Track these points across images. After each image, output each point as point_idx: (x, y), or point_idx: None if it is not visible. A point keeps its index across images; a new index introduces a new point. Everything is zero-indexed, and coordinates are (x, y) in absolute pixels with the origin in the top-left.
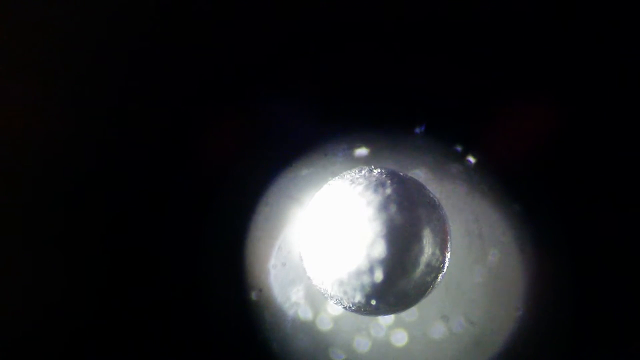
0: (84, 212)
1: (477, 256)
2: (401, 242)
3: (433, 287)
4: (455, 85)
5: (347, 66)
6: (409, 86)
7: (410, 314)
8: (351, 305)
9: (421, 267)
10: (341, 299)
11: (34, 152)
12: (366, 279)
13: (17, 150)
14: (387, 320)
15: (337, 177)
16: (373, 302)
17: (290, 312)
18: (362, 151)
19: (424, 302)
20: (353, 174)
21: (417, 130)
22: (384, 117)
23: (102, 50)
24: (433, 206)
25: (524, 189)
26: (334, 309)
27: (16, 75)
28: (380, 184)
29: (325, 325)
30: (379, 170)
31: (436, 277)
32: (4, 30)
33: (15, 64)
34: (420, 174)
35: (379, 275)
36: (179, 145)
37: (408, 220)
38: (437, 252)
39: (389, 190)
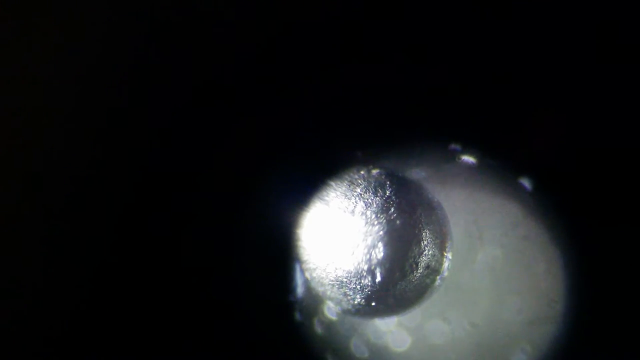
0: (98, 215)
1: (478, 257)
2: (400, 243)
3: (433, 289)
4: (457, 85)
5: (347, 67)
6: (410, 86)
7: (411, 317)
8: (351, 308)
9: (420, 269)
10: (340, 300)
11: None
12: (366, 281)
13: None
14: (386, 323)
15: (335, 178)
16: (373, 304)
17: (288, 315)
18: (362, 150)
19: (424, 304)
20: (351, 174)
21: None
22: (384, 117)
23: (120, 51)
24: (432, 207)
25: (525, 189)
26: (332, 312)
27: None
28: (379, 185)
29: (323, 328)
30: (378, 171)
31: (436, 279)
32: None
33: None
34: (420, 174)
35: (378, 277)
36: (182, 150)
37: (407, 222)
38: (437, 253)
39: (388, 192)
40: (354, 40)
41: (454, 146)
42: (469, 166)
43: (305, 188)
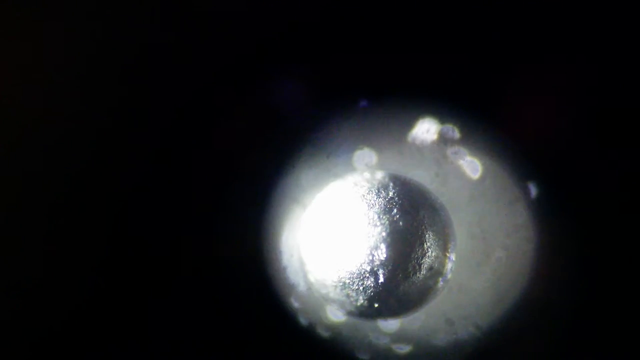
0: (84, 212)
1: (480, 259)
2: (403, 245)
3: (436, 290)
4: (460, 85)
5: (349, 65)
6: (412, 85)
7: (414, 319)
8: (354, 309)
9: (423, 270)
10: (344, 302)
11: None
12: (369, 282)
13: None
14: (390, 325)
15: (339, 180)
16: (376, 305)
17: (290, 318)
18: (364, 153)
19: (428, 306)
20: (355, 176)
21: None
22: (386, 118)
23: (106, 41)
24: (435, 209)
25: (528, 190)
26: (335, 315)
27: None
28: (382, 187)
29: (326, 331)
30: (381, 173)
31: (439, 280)
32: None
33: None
34: (422, 175)
35: (381, 278)
36: (176, 144)
37: (410, 223)
38: (440, 255)
39: (391, 193)
40: (356, 37)
41: (457, 148)
42: (472, 168)
43: (308, 188)
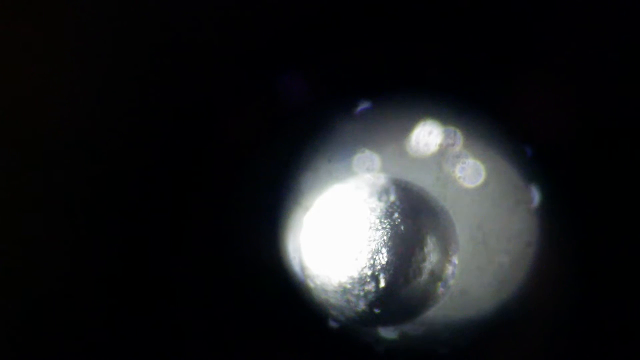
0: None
1: (482, 263)
2: (405, 249)
3: (437, 296)
4: (462, 86)
5: (350, 66)
6: (414, 87)
7: (415, 324)
8: (354, 315)
9: (424, 274)
10: (343, 308)
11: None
12: (370, 287)
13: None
14: (390, 333)
15: (340, 183)
16: (376, 311)
17: (289, 325)
18: (365, 156)
19: (429, 312)
20: (356, 180)
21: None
22: (388, 121)
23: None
24: (437, 213)
25: (531, 194)
26: (334, 322)
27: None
28: (384, 191)
29: (326, 337)
30: (383, 177)
31: (439, 285)
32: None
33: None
34: (424, 179)
35: (382, 283)
36: (181, 147)
37: (411, 228)
38: (442, 259)
39: (392, 197)
40: (358, 35)
41: (460, 151)
42: (474, 172)
43: (309, 192)
